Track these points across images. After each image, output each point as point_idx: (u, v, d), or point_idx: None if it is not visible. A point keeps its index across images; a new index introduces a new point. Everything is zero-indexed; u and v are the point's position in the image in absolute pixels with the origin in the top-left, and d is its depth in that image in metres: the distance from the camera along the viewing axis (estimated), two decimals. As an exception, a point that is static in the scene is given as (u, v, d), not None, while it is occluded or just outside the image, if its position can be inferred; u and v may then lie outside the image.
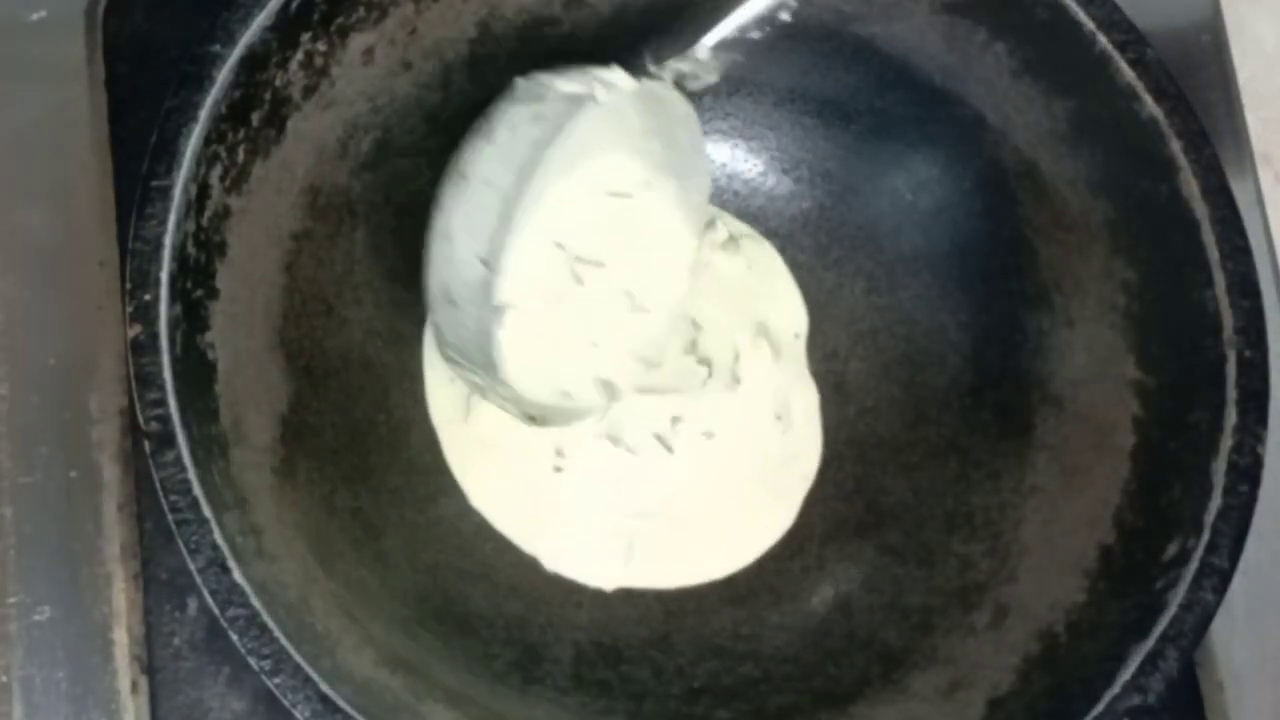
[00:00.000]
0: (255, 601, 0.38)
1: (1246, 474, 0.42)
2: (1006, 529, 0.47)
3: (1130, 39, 0.45)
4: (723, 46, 0.45)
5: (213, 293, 0.43)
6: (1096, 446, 0.46)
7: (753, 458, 0.50)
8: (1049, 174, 0.48)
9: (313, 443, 0.46)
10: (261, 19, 0.43)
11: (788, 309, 0.52)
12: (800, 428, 0.51)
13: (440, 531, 0.48)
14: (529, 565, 0.48)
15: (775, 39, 0.50)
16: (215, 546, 0.39)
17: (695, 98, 0.52)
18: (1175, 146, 0.44)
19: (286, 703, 0.38)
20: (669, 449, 0.49)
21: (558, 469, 0.49)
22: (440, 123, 0.50)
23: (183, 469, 0.39)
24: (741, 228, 0.53)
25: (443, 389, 0.49)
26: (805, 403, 0.51)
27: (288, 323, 0.46)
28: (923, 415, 0.51)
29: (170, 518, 0.39)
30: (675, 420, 0.49)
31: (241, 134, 0.43)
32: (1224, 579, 0.41)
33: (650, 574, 0.48)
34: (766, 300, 0.52)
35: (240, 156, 0.43)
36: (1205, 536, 0.42)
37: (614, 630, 0.47)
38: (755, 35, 0.50)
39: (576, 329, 0.47)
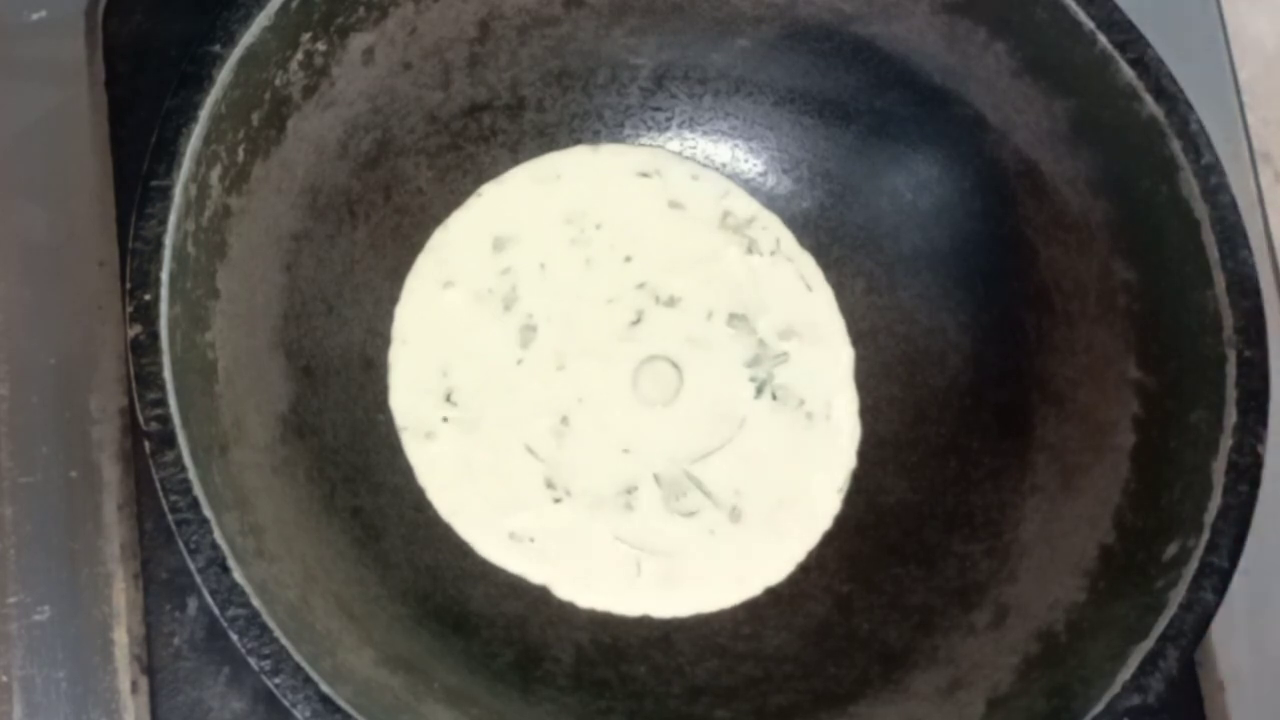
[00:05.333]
0: (255, 601, 0.38)
1: (1246, 474, 0.42)
2: (1006, 529, 0.47)
3: (1130, 39, 0.45)
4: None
5: (213, 293, 0.43)
6: (1096, 446, 0.46)
7: (768, 491, 0.50)
8: (1049, 174, 0.48)
9: (313, 443, 0.46)
10: (261, 19, 0.43)
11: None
12: (824, 482, 0.50)
13: (440, 531, 0.48)
14: (529, 565, 0.48)
15: (775, 39, 0.50)
16: (215, 546, 0.39)
17: (697, 97, 0.52)
18: (1175, 146, 0.44)
19: (286, 703, 0.38)
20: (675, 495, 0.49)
21: (556, 500, 0.48)
22: (440, 123, 0.50)
23: (183, 469, 0.39)
24: (785, 233, 0.52)
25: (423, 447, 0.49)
26: (838, 463, 0.51)
27: (288, 323, 0.46)
28: (923, 415, 0.51)
29: (170, 518, 0.39)
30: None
31: (241, 134, 0.43)
32: (1224, 579, 0.41)
33: (664, 600, 0.48)
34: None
35: (240, 156, 0.43)
36: (1205, 536, 0.42)
37: (614, 630, 0.47)
38: (745, 43, 0.50)
39: None
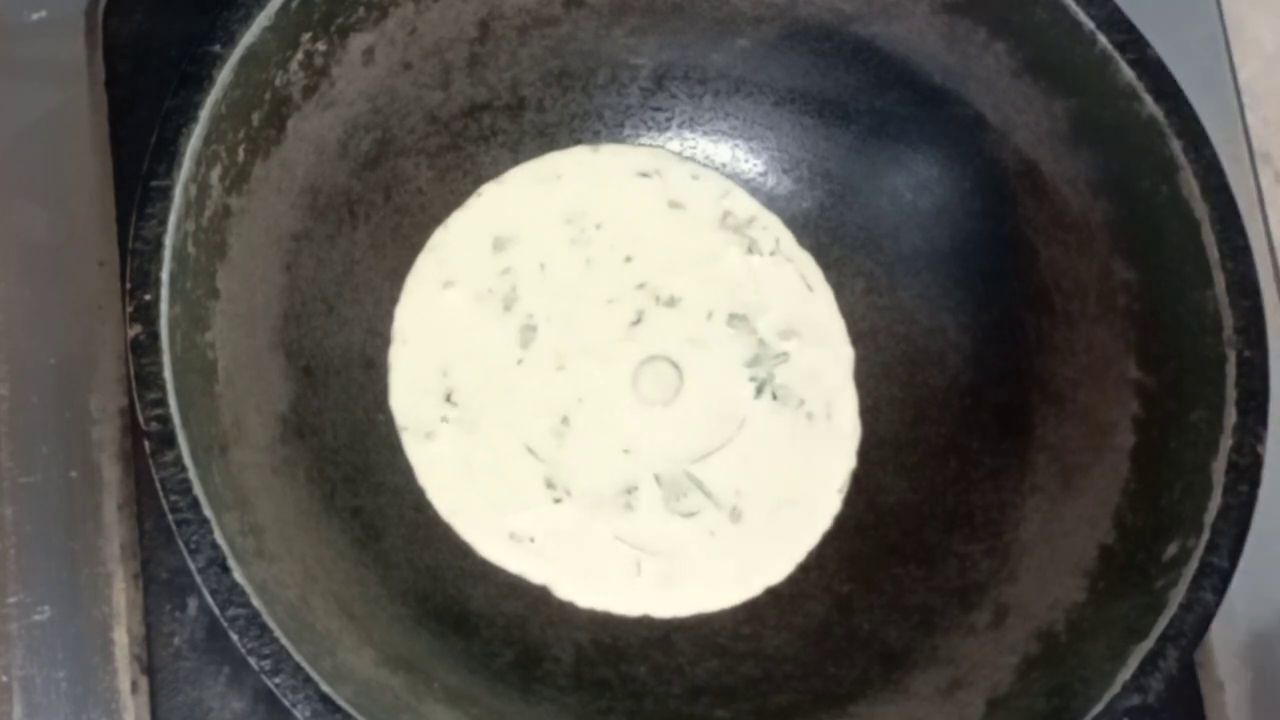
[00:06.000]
0: (255, 601, 0.38)
1: (1246, 474, 0.42)
2: (1006, 529, 0.47)
3: (1130, 39, 0.45)
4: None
5: (213, 293, 0.43)
6: (1096, 446, 0.46)
7: (768, 491, 0.50)
8: (1049, 174, 0.48)
9: (313, 443, 0.46)
10: (261, 19, 0.43)
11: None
12: (824, 482, 0.50)
13: (440, 531, 0.48)
14: (529, 565, 0.48)
15: (776, 39, 0.50)
16: (215, 546, 0.39)
17: (697, 97, 0.52)
18: (1175, 146, 0.44)
19: (286, 703, 0.38)
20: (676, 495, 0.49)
21: (556, 500, 0.48)
22: (440, 123, 0.50)
23: (183, 469, 0.39)
24: (785, 233, 0.52)
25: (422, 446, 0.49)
26: (838, 463, 0.51)
27: (288, 323, 0.46)
28: (923, 415, 0.51)
29: (170, 518, 0.39)
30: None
31: (241, 134, 0.43)
32: (1224, 579, 0.41)
33: (664, 601, 0.48)
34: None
35: (240, 156, 0.43)
36: (1205, 536, 0.42)
37: (614, 630, 0.47)
38: (745, 43, 0.50)
39: None
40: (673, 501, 0.49)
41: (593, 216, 0.51)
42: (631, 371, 0.50)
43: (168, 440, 0.39)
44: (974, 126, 0.49)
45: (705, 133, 0.52)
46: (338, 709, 0.38)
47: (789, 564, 0.49)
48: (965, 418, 0.50)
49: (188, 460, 0.39)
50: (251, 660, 0.38)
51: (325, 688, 0.38)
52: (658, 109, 0.52)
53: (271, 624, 0.38)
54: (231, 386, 0.42)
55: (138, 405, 0.39)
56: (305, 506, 0.44)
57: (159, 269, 0.40)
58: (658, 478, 0.49)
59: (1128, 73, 0.45)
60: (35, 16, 0.52)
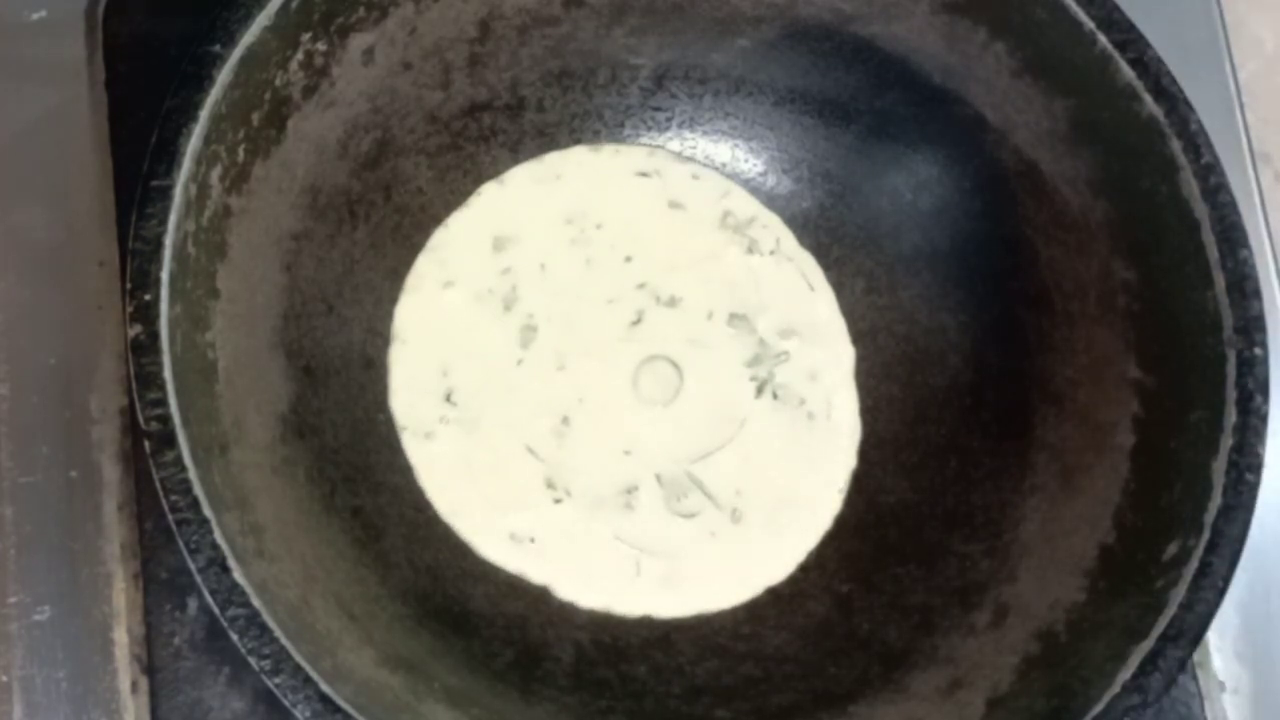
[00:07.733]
0: (255, 601, 0.38)
1: (1246, 474, 0.42)
2: (1006, 529, 0.47)
3: (1130, 39, 0.45)
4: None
5: (213, 293, 0.43)
6: (1096, 446, 0.46)
7: (769, 491, 0.50)
8: (1049, 174, 0.48)
9: (313, 443, 0.46)
10: (261, 19, 0.43)
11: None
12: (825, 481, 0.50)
13: (440, 531, 0.48)
14: (529, 565, 0.48)
15: (776, 39, 0.50)
16: (215, 546, 0.38)
17: (697, 97, 0.52)
18: (1175, 146, 0.44)
19: (286, 703, 0.38)
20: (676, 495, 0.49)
21: (557, 500, 0.48)
22: (440, 123, 0.50)
23: (183, 469, 0.39)
24: (785, 233, 0.52)
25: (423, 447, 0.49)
26: (839, 463, 0.51)
27: (288, 323, 0.46)
28: (923, 415, 0.51)
29: (170, 518, 0.39)
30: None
31: (241, 134, 0.43)
32: (1224, 579, 0.41)
33: (665, 601, 0.48)
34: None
35: (240, 156, 0.43)
36: (1205, 536, 0.42)
37: (614, 629, 0.47)
38: (745, 43, 0.50)
39: None
40: (673, 502, 0.49)
41: (593, 216, 0.51)
42: (632, 371, 0.50)
43: (168, 440, 0.39)
44: (974, 126, 0.49)
45: (705, 133, 0.53)
46: (338, 709, 0.38)
47: (789, 564, 0.49)
48: (965, 418, 0.50)
49: (188, 460, 0.39)
50: (251, 660, 0.38)
51: (325, 688, 0.38)
52: (658, 109, 0.52)
53: (271, 624, 0.38)
54: (231, 386, 0.42)
55: (138, 405, 0.39)
56: (305, 506, 0.44)
57: (159, 269, 0.40)
58: (658, 478, 0.49)
59: (1127, 73, 0.45)
60: (35, 16, 0.52)
